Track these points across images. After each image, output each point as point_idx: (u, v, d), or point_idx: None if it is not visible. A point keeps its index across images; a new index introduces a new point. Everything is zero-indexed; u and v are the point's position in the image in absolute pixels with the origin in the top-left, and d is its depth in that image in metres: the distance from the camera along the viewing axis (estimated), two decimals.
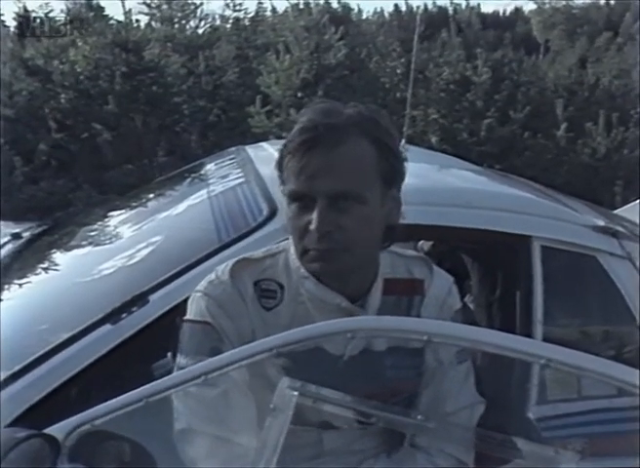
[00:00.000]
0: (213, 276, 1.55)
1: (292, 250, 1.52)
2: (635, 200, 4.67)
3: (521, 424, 2.19)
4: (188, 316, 1.53)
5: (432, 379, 1.56)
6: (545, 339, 2.34)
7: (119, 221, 3.36)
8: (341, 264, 1.45)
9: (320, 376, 1.17)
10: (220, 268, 1.55)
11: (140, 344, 2.11)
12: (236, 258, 1.56)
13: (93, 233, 3.34)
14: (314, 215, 1.40)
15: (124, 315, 2.13)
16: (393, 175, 1.48)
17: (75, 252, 3.22)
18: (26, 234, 3.60)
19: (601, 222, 2.63)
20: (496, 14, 34.83)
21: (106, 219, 3.52)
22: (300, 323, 1.44)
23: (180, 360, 1.49)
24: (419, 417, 1.23)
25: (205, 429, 1.41)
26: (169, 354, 2.05)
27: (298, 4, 10.97)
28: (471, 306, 2.93)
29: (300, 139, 1.41)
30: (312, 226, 1.40)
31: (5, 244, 3.44)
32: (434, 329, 1.28)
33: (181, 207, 3.16)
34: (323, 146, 1.39)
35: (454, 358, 1.55)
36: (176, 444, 1.43)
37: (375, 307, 1.53)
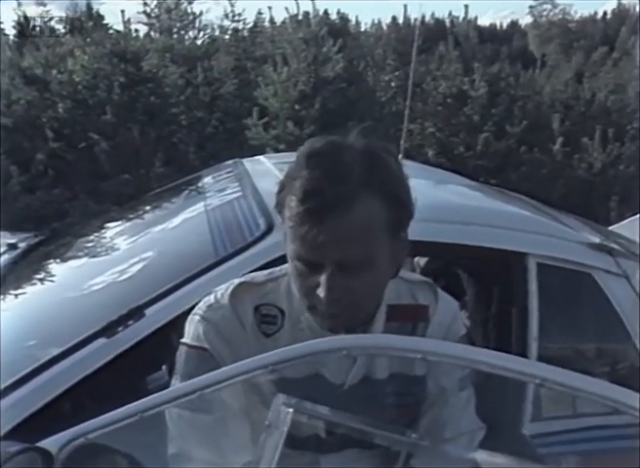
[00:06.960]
0: (212, 299, 1.50)
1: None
2: (631, 216, 4.69)
3: (516, 441, 2.19)
4: (185, 339, 1.49)
5: (432, 406, 1.53)
6: (541, 356, 2.35)
7: (116, 233, 3.36)
8: (352, 320, 1.42)
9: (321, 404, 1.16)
10: (220, 291, 1.50)
11: (135, 358, 2.11)
12: (237, 282, 1.51)
13: (89, 245, 3.34)
14: (322, 281, 1.33)
15: (120, 328, 2.13)
16: (403, 222, 1.41)
17: (71, 263, 3.22)
18: (23, 245, 3.60)
19: (597, 240, 2.64)
20: (493, 27, 35.17)
21: (103, 231, 3.52)
22: None
23: (175, 383, 1.46)
24: (413, 436, 1.23)
25: (198, 455, 1.40)
26: (164, 367, 2.05)
27: (296, 15, 10.97)
28: (467, 322, 2.93)
29: (304, 208, 1.29)
30: (321, 293, 1.34)
31: (1, 254, 3.44)
32: (429, 347, 1.28)
33: (178, 220, 3.16)
34: (331, 216, 1.28)
35: (455, 385, 1.52)
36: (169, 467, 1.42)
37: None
